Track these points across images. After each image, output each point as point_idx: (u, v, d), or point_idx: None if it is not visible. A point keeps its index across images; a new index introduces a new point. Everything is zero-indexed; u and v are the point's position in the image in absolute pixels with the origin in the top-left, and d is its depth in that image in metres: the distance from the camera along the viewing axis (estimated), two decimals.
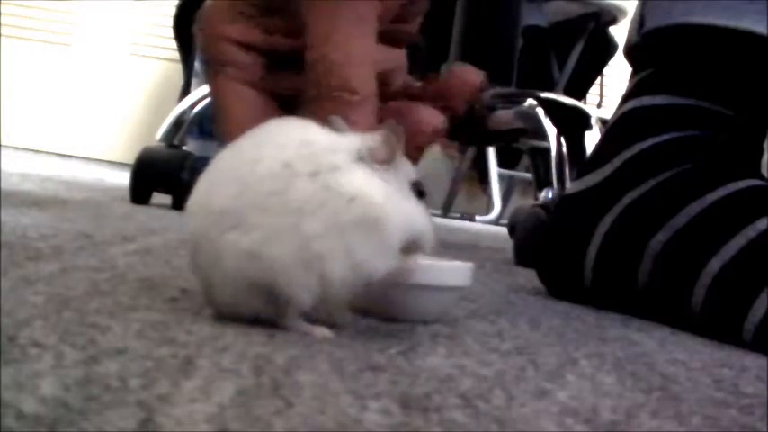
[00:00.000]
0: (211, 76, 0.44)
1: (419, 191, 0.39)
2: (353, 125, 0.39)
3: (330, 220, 0.36)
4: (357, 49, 0.41)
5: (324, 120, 0.38)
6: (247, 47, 0.44)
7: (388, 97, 0.45)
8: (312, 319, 0.38)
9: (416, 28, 0.48)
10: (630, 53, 0.71)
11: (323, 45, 0.41)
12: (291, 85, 0.43)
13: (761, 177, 0.63)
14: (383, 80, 0.44)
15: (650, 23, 0.68)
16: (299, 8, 0.42)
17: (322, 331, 0.37)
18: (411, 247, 0.38)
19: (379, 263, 0.37)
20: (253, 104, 0.43)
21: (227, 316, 0.37)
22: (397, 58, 0.48)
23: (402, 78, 0.47)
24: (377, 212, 0.36)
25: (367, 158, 0.37)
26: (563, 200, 0.72)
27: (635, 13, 0.71)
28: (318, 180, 0.36)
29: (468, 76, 0.47)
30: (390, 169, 0.38)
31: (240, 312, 0.37)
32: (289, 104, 0.43)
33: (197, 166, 1.22)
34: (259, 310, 0.37)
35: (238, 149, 0.38)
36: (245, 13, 0.44)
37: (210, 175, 0.37)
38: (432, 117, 0.44)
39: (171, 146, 1.23)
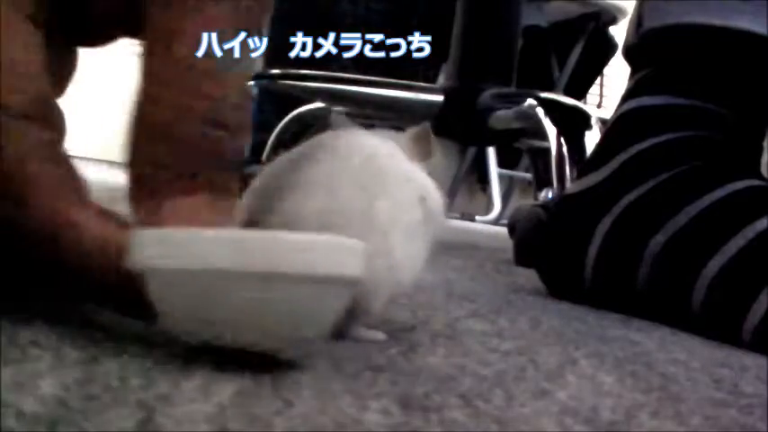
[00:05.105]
0: None
1: None
2: None
3: (406, 227, 0.37)
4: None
5: None
6: None
7: None
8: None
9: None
10: (629, 53, 0.71)
11: None
12: None
13: (761, 177, 0.63)
14: None
15: (648, 23, 0.68)
16: None
17: (380, 335, 0.38)
18: None
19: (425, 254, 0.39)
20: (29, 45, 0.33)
21: None
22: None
23: None
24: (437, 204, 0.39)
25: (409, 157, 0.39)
26: (563, 200, 0.72)
27: (633, 14, 0.71)
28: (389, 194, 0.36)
29: None
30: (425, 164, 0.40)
31: None
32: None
33: None
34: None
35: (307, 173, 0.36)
36: None
37: (285, 203, 0.35)
38: None
39: None
